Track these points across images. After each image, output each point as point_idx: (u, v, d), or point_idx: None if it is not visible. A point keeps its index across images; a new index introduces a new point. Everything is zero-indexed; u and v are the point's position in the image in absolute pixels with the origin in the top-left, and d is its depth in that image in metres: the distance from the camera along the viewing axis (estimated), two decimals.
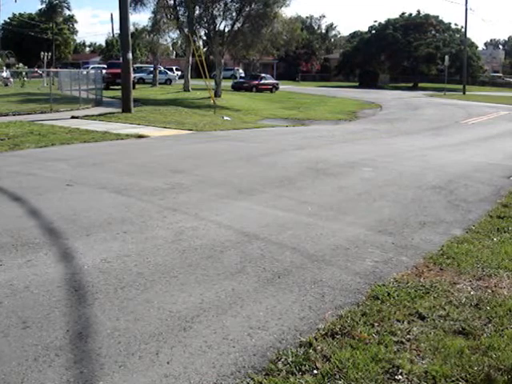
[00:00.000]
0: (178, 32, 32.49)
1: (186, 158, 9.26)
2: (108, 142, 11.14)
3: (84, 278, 3.74)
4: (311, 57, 71.14)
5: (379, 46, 60.24)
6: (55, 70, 34.90)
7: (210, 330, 3.06)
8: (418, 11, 63.82)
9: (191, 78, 34.78)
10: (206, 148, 10.82)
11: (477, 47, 68.31)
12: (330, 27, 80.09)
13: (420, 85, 59.69)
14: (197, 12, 28.41)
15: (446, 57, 45.48)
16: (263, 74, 44.09)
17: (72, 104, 18.65)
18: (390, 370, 2.67)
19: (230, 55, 33.72)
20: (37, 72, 38.78)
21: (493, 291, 3.69)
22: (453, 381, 2.60)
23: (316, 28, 76.67)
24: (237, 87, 39.38)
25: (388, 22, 63.66)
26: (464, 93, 45.04)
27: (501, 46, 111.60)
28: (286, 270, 4.05)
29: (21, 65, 42.43)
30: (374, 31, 64.75)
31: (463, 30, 51.36)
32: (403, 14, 64.58)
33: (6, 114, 15.80)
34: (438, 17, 63.64)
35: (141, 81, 38.68)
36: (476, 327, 3.14)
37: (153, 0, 30.33)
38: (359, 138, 14.28)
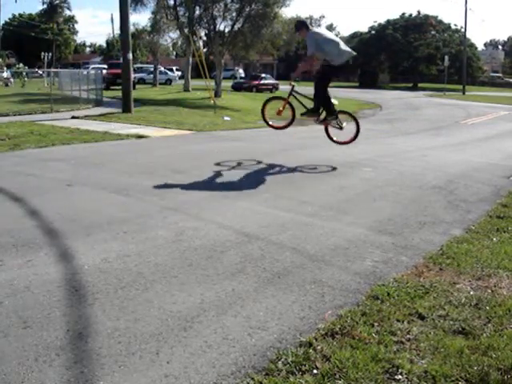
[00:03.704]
0: (178, 32, 32.52)
1: (187, 158, 9.26)
2: (108, 142, 11.14)
3: (84, 277, 3.74)
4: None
5: (379, 46, 60.28)
6: (55, 70, 34.90)
7: (210, 329, 3.06)
8: (418, 12, 63.96)
9: (191, 78, 34.80)
10: (206, 148, 10.81)
11: (476, 47, 68.45)
12: (330, 27, 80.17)
13: (420, 85, 59.73)
14: (197, 12, 28.43)
15: (446, 57, 45.56)
16: (263, 75, 44.14)
17: (72, 104, 18.65)
18: (390, 370, 2.67)
19: (230, 55, 33.73)
20: (37, 72, 38.81)
21: (492, 291, 3.70)
22: (452, 380, 2.61)
23: None
24: (237, 87, 39.39)
25: (388, 22, 63.74)
26: (464, 93, 45.11)
27: (500, 47, 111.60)
28: (286, 269, 4.05)
29: (21, 65, 42.37)
30: (373, 32, 64.82)
31: (463, 30, 51.46)
32: (403, 14, 64.70)
33: (7, 114, 15.79)
34: (437, 17, 63.78)
35: (141, 81, 38.74)
36: (476, 327, 3.15)
37: (153, 0, 30.39)
38: (359, 137, 14.25)
